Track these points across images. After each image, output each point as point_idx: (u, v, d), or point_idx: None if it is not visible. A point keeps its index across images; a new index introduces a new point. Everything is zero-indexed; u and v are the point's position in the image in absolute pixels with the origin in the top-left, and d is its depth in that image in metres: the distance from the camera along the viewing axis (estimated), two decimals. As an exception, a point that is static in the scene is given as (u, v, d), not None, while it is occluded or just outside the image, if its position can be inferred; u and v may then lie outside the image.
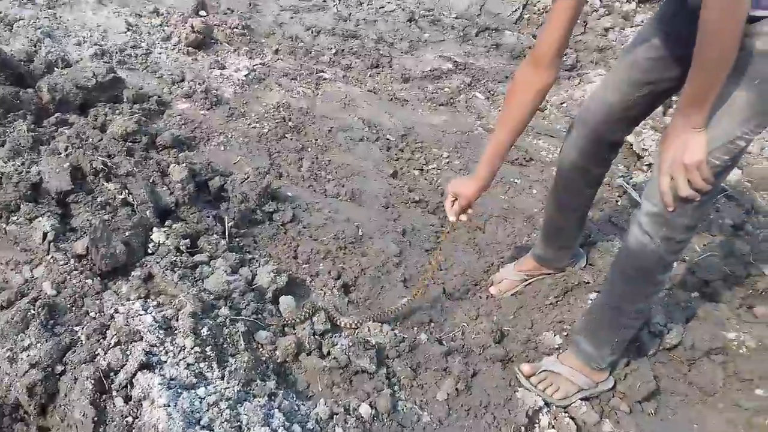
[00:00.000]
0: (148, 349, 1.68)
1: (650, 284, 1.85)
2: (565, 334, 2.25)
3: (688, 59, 1.52)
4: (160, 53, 3.70)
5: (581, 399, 2.04)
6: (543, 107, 4.15)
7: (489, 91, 4.19)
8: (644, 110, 2.01)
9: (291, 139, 3.18)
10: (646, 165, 3.43)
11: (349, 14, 4.92)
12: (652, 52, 1.87)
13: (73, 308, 1.84)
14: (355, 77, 4.05)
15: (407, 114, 3.72)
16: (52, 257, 1.98)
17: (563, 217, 2.32)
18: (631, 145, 3.49)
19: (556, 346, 2.19)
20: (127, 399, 1.60)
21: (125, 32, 3.79)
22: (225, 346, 1.85)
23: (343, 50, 4.38)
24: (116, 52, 3.54)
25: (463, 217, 2.07)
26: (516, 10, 5.14)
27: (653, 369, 2.16)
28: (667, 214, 1.66)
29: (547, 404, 2.03)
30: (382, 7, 5.12)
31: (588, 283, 2.42)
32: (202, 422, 1.53)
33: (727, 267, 2.60)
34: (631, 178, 3.29)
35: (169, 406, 1.51)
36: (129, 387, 1.62)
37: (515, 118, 1.85)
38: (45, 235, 2.02)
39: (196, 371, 1.69)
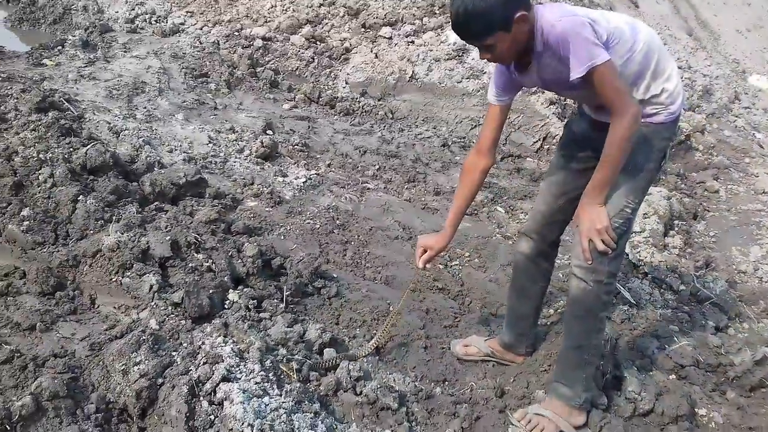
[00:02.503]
0: (228, 368, 2.24)
1: (596, 320, 2.41)
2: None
3: (587, 171, 2.28)
4: (234, 162, 4.49)
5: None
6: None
7: (509, 207, 4.83)
8: (568, 215, 2.62)
9: (338, 234, 3.83)
10: (641, 273, 3.96)
11: (392, 138, 5.73)
12: (562, 161, 2.55)
13: (171, 339, 2.43)
14: (394, 189, 4.75)
15: (437, 220, 4.36)
16: (155, 303, 2.60)
17: (521, 304, 2.84)
18: (627, 255, 4.03)
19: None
20: (211, 402, 2.14)
21: (207, 144, 4.62)
22: (282, 376, 2.40)
23: (384, 167, 5.12)
24: (200, 159, 4.35)
25: (429, 266, 2.74)
26: (537, 141, 5.88)
27: (629, 429, 2.59)
28: (589, 265, 2.29)
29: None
30: (420, 134, 5.93)
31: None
32: (266, 419, 2.06)
33: (700, 356, 3.05)
34: (626, 283, 3.81)
35: (244, 403, 2.06)
36: (213, 394, 2.16)
37: (467, 191, 2.58)
38: (151, 286, 2.65)
39: (262, 388, 2.23)
